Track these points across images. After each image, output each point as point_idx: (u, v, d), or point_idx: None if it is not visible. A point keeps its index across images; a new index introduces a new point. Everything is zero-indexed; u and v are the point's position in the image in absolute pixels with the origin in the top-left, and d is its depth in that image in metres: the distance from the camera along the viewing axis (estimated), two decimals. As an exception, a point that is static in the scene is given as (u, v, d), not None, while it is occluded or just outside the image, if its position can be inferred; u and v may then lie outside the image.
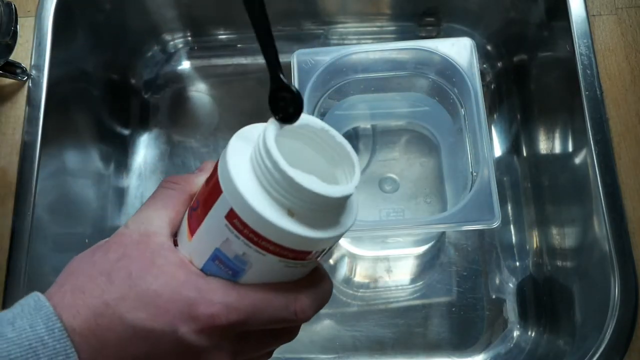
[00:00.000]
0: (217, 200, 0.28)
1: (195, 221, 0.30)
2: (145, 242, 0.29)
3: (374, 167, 0.68)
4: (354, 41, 0.75)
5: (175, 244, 0.31)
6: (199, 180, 0.32)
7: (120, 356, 0.28)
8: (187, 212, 0.31)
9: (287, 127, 0.28)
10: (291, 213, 0.27)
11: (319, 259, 0.30)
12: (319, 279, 0.32)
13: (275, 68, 0.28)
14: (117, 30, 0.72)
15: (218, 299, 0.28)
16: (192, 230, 0.30)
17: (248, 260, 0.28)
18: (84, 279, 0.28)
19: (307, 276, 0.31)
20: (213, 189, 0.29)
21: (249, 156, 0.28)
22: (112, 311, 0.27)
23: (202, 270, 0.30)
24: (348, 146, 0.29)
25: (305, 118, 0.29)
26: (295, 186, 0.26)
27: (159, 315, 0.28)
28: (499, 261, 0.67)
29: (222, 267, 0.29)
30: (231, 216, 0.27)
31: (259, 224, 0.27)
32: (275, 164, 0.26)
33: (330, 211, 0.28)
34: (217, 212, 0.28)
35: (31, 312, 0.27)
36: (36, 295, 0.28)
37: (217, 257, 0.29)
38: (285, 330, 0.32)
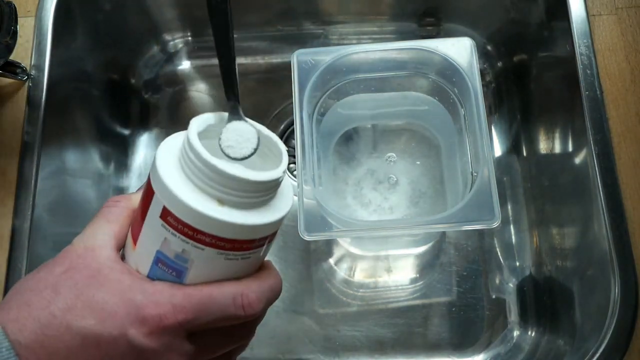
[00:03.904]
0: (151, 203, 0.29)
1: (137, 228, 0.31)
2: (90, 255, 0.30)
3: (374, 167, 0.68)
4: (354, 41, 0.75)
5: (123, 258, 0.32)
6: (140, 196, 0.33)
7: None
8: (130, 226, 0.32)
9: (212, 127, 0.30)
10: (221, 202, 0.28)
11: (262, 251, 0.31)
12: (265, 275, 0.32)
13: (230, 87, 0.30)
14: (117, 30, 0.71)
15: (164, 299, 0.29)
16: (135, 239, 0.31)
17: (188, 257, 0.29)
18: (30, 294, 0.28)
19: (254, 273, 0.32)
20: (147, 193, 0.30)
21: (177, 157, 0.29)
22: (58, 321, 0.27)
23: (148, 276, 0.30)
24: (275, 137, 0.31)
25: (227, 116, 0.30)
26: (220, 173, 0.27)
27: (107, 320, 0.28)
28: (499, 261, 0.67)
29: (165, 269, 0.30)
30: (165, 214, 0.28)
31: (190, 215, 0.27)
32: (197, 154, 0.27)
33: (260, 197, 0.29)
34: (152, 214, 0.29)
35: None
36: None
37: (159, 259, 0.30)
38: (239, 330, 0.32)
